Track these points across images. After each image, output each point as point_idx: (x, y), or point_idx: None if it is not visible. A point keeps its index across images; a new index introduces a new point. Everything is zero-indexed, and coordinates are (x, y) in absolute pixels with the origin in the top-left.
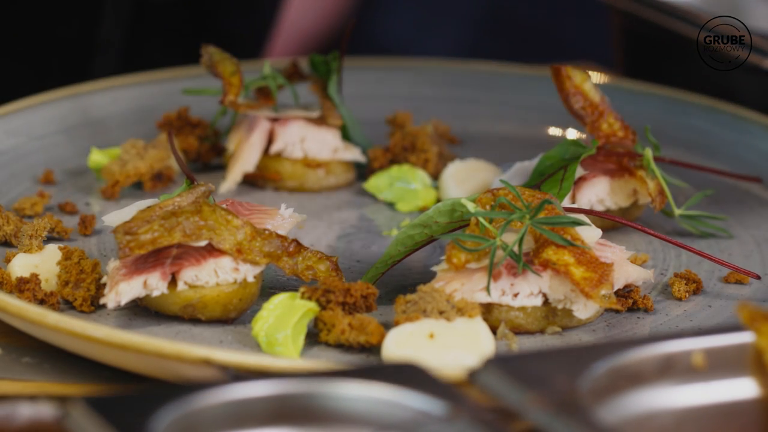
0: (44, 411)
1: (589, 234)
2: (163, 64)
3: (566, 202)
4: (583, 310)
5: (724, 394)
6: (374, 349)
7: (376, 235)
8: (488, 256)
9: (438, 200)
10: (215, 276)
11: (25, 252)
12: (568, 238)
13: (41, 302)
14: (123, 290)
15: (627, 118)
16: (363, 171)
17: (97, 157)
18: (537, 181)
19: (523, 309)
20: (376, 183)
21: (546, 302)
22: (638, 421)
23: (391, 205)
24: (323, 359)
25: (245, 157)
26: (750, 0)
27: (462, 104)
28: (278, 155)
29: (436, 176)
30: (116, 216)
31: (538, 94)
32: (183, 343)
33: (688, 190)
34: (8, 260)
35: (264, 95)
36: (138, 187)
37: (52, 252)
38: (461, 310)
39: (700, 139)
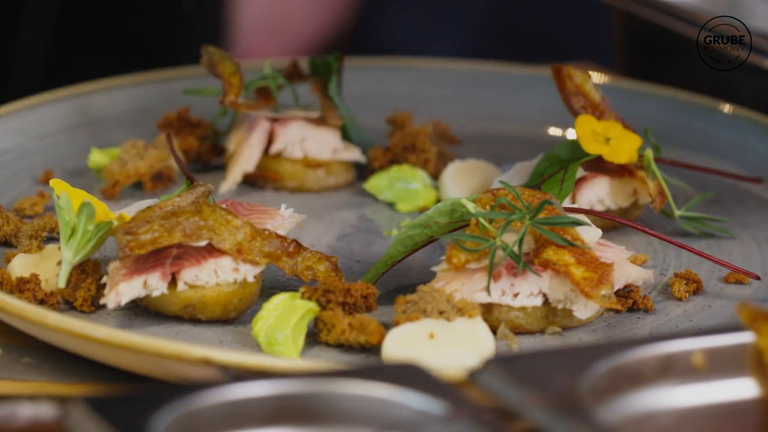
0: (44, 411)
1: (589, 234)
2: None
3: (566, 202)
4: (583, 310)
5: (724, 394)
6: (374, 349)
7: (376, 235)
8: (488, 257)
9: (438, 200)
10: (215, 276)
11: (25, 252)
12: (568, 238)
13: (41, 302)
14: (123, 290)
15: (627, 118)
16: (363, 171)
17: (97, 157)
18: (537, 181)
19: (523, 309)
20: (376, 183)
21: (546, 302)
22: (638, 421)
23: (391, 205)
24: (323, 359)
25: (245, 157)
26: (750, 0)
27: (462, 104)
28: (278, 155)
29: (436, 176)
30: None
31: (538, 94)
32: (183, 343)
33: (689, 191)
34: (8, 260)
35: (264, 95)
36: (138, 187)
37: (52, 252)
38: (461, 310)
39: (700, 139)
